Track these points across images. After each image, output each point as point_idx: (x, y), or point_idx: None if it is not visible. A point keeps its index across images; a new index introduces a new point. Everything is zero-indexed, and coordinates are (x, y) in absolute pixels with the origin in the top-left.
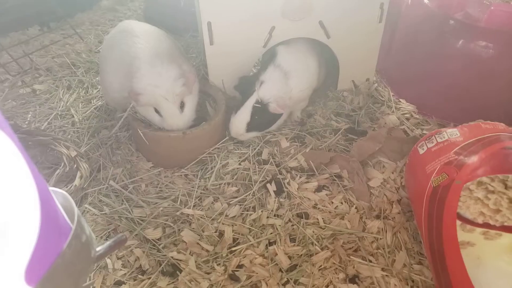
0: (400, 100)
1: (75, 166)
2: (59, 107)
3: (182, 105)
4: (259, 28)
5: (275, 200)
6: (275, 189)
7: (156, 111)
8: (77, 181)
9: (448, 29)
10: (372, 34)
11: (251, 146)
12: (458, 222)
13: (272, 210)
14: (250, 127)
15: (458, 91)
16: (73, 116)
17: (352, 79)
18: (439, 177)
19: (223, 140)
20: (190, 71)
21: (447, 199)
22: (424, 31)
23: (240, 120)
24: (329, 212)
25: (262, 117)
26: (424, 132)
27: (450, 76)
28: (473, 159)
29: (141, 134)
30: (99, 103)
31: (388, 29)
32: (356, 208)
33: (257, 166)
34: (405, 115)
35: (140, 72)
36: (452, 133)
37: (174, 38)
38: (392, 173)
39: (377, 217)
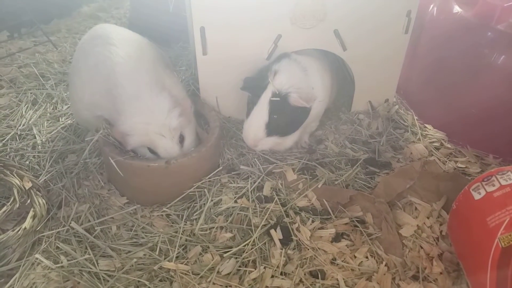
0: (426, 125)
1: (29, 201)
2: (20, 125)
3: (181, 139)
4: (263, 36)
5: (281, 253)
6: (281, 237)
7: (151, 150)
8: (27, 223)
9: (486, 42)
10: (396, 47)
11: (250, 178)
12: None
13: (278, 267)
14: (270, 130)
15: (498, 117)
16: (35, 137)
17: (369, 100)
18: (510, 235)
19: (216, 171)
20: (180, 93)
21: None
22: (455, 45)
23: (256, 122)
24: (352, 269)
25: (283, 115)
26: (459, 165)
27: (488, 98)
28: None
29: (114, 163)
30: (69, 121)
31: (409, 43)
32: (386, 265)
33: (257, 205)
34: (434, 144)
35: (125, 107)
36: None
37: (159, 48)
38: (428, 218)
39: (414, 278)
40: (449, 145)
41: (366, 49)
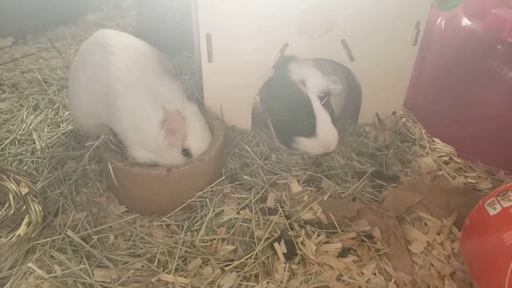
0: (434, 139)
1: (25, 207)
2: (20, 130)
3: (187, 152)
4: (269, 45)
5: (285, 267)
6: (285, 250)
7: None
8: (22, 229)
9: (497, 55)
10: (404, 59)
11: (253, 189)
12: None
13: (281, 282)
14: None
15: (509, 131)
16: (34, 142)
17: (375, 112)
18: None
19: (218, 181)
20: (176, 104)
21: None
22: (464, 58)
23: (331, 126)
24: (359, 287)
25: (331, 109)
26: (469, 180)
27: (499, 112)
28: None
29: (111, 169)
30: (70, 127)
31: (417, 56)
32: (395, 282)
33: (261, 217)
34: (443, 158)
35: (126, 133)
36: None
37: (161, 54)
38: (438, 234)
39: None
40: (458, 160)
41: (374, 60)
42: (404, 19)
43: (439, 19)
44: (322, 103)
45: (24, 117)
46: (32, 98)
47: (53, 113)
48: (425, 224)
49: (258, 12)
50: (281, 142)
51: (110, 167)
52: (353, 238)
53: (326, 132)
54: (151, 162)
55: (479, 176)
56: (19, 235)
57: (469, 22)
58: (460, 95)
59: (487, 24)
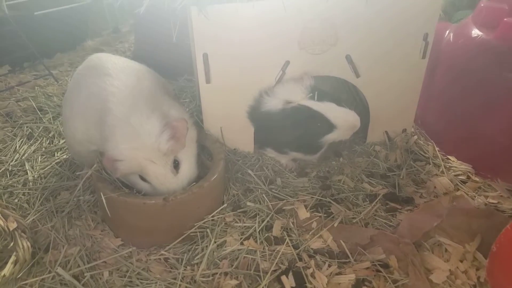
0: (449, 157)
1: (12, 244)
2: (12, 160)
3: (176, 165)
4: (269, 63)
5: None
6: (293, 284)
7: (143, 178)
8: (7, 269)
9: (511, 65)
10: (413, 73)
11: (257, 217)
12: None
13: None
14: None
15: None
16: (26, 173)
17: (385, 130)
18: None
19: (220, 209)
20: (179, 117)
21: None
22: (476, 70)
23: (338, 108)
24: None
25: (328, 94)
26: (490, 200)
27: None
28: None
29: (104, 199)
30: (64, 156)
31: (425, 71)
32: None
33: (266, 248)
34: (460, 177)
35: (114, 132)
36: None
37: (159, 76)
38: (461, 261)
39: None
40: (476, 178)
41: (381, 76)
42: (412, 31)
43: (447, 31)
44: (316, 99)
45: (17, 147)
46: (27, 127)
47: (47, 141)
48: (446, 250)
49: (257, 29)
50: (310, 153)
51: (103, 197)
52: (367, 268)
53: (340, 117)
54: (133, 168)
55: (501, 196)
56: (4, 275)
57: (480, 33)
58: (474, 109)
59: (499, 33)
